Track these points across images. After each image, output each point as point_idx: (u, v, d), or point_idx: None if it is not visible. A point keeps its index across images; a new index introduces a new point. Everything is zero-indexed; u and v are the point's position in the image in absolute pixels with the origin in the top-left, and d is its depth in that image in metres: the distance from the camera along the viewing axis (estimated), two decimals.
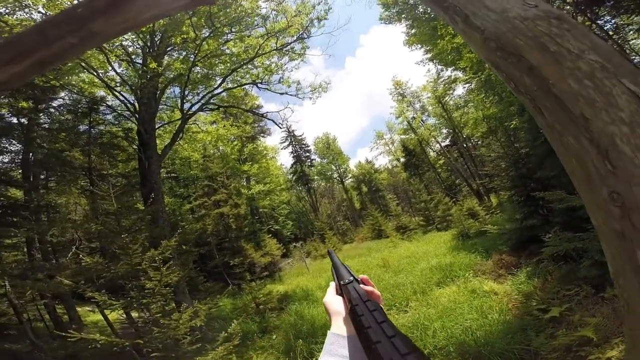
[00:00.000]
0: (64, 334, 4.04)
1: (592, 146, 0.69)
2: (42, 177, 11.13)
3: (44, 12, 7.23)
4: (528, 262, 6.09)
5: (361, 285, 0.68)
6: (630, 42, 9.21)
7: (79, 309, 10.15)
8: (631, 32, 8.50)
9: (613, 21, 8.35)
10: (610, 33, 8.39)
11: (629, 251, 0.64)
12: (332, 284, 0.80)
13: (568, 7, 8.27)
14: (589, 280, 4.15)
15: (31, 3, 7.14)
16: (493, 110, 15.56)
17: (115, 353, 4.47)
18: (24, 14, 7.55)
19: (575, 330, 3.33)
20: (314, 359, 5.13)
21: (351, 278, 0.71)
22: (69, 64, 7.86)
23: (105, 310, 6.36)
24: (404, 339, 0.43)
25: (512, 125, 13.07)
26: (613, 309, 3.40)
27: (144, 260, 5.03)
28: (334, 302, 0.72)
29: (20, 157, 9.96)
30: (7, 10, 7.41)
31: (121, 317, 6.54)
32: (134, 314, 6.89)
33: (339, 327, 0.65)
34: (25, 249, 9.66)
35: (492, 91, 13.60)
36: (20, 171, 9.98)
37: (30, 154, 9.80)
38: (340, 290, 0.73)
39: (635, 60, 8.56)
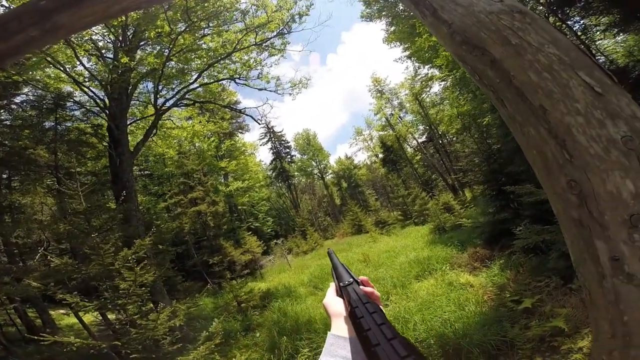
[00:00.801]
0: (36, 338, 3.88)
1: (551, 136, 0.72)
2: (5, 176, 10.41)
3: (7, 5, 6.71)
4: (501, 254, 6.38)
5: (361, 287, 0.68)
6: (597, 43, 9.69)
7: (52, 312, 9.76)
8: (598, 33, 8.94)
9: (582, 22, 8.74)
10: (579, 34, 8.83)
11: (587, 240, 0.66)
12: (332, 285, 0.80)
13: (541, 7, 8.61)
14: (557, 271, 4.39)
15: None
16: (467, 107, 16.03)
17: (93, 356, 4.34)
18: None
19: (547, 321, 3.52)
20: (299, 355, 5.15)
21: (351, 280, 0.71)
22: (34, 59, 7.36)
23: (79, 313, 6.12)
24: (403, 341, 0.43)
25: (484, 122, 13.53)
26: (581, 299, 3.62)
27: (117, 260, 4.90)
28: (334, 304, 0.72)
29: None
30: None
31: (97, 320, 6.32)
32: (111, 316, 6.69)
33: (339, 328, 0.65)
34: None
35: (466, 89, 14.02)
36: None
37: None
38: (340, 292, 0.73)
39: (601, 60, 9.06)
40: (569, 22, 8.61)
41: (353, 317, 0.58)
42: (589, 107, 0.67)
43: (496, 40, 0.84)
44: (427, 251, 9.02)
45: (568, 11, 8.11)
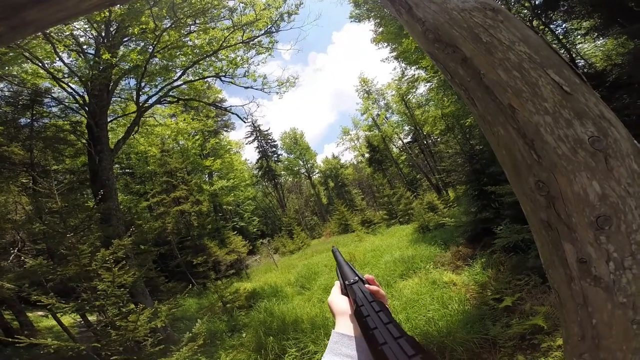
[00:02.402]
0: (11, 340, 3.74)
1: (519, 136, 0.71)
2: None
3: None
4: (482, 253, 6.54)
5: (366, 286, 0.68)
6: (577, 46, 9.99)
7: (29, 314, 9.37)
8: (579, 37, 9.22)
9: (564, 26, 9.01)
10: (561, 37, 9.11)
11: (555, 242, 0.66)
12: (337, 284, 0.80)
13: (525, 10, 8.83)
14: (536, 270, 4.54)
15: None
16: (451, 108, 16.34)
17: (72, 358, 4.23)
18: None
19: (527, 319, 3.64)
20: (286, 355, 5.15)
21: (356, 278, 0.71)
22: (10, 54, 7.03)
23: (58, 314, 5.92)
24: (410, 340, 0.43)
25: (467, 123, 13.87)
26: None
27: (94, 261, 4.79)
28: (339, 302, 0.72)
29: None
30: None
31: (77, 321, 6.15)
32: (92, 318, 6.51)
33: (344, 327, 0.64)
34: None
35: (450, 90, 14.30)
36: None
37: None
38: (345, 290, 0.73)
39: (580, 63, 9.38)
40: (551, 26, 8.85)
41: (359, 316, 0.57)
42: (557, 107, 0.67)
43: (467, 37, 0.83)
44: (412, 250, 9.17)
45: (551, 15, 8.32)
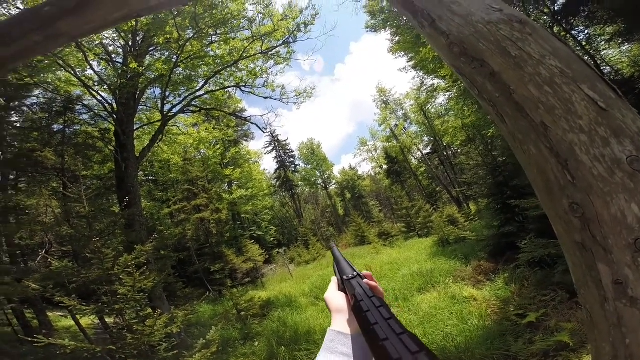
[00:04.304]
0: (30, 339, 3.84)
1: (552, 155, 0.68)
2: (12, 177, 10.54)
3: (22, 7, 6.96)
4: (505, 268, 6.26)
5: (365, 281, 0.66)
6: (602, 53, 9.65)
7: (49, 314, 9.68)
8: (603, 43, 8.90)
9: (586, 32, 8.74)
10: (584, 44, 8.83)
11: (590, 263, 0.63)
12: (334, 279, 0.78)
13: (545, 17, 8.64)
14: (563, 285, 4.29)
15: None
16: (472, 118, 16.00)
17: (87, 359, 4.26)
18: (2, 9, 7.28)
19: (552, 336, 3.43)
20: None
21: (355, 273, 0.69)
22: (46, 61, 7.55)
23: (77, 316, 6.08)
24: (412, 336, 0.40)
25: (489, 134, 13.49)
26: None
27: (117, 265, 4.88)
28: (336, 299, 0.70)
29: None
30: None
31: (94, 323, 6.29)
32: (109, 320, 6.64)
33: (340, 325, 0.63)
34: None
35: (470, 100, 14.02)
36: None
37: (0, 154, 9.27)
38: (343, 286, 0.71)
39: (606, 70, 9.02)
40: (573, 32, 8.61)
41: (358, 311, 0.54)
42: (593, 124, 0.63)
43: (495, 51, 0.80)
44: (430, 264, 8.88)
45: (572, 21, 8.14)
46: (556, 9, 8.30)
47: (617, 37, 7.39)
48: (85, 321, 6.54)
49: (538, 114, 0.70)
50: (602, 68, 9.11)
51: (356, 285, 0.63)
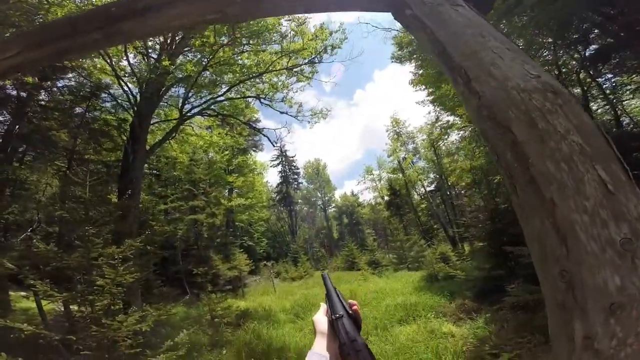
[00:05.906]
0: None
1: (553, 230, 0.70)
2: (20, 150, 10.74)
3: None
4: (489, 309, 6.21)
5: (349, 301, 0.78)
6: (624, 103, 9.58)
7: (11, 293, 8.93)
8: (627, 92, 8.84)
9: (613, 80, 8.64)
10: (607, 92, 8.78)
11: (567, 320, 0.68)
12: (323, 305, 0.86)
13: (574, 62, 8.59)
14: (542, 329, 4.28)
15: None
16: (481, 161, 15.98)
17: (40, 345, 4.15)
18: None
19: None
20: None
21: (341, 313, 0.76)
22: None
23: (42, 300, 5.78)
24: None
25: (495, 180, 13.57)
26: None
27: (101, 255, 4.81)
28: (322, 323, 0.78)
29: (5, 128, 9.68)
30: None
31: (58, 310, 5.95)
32: (74, 308, 6.39)
33: (321, 347, 0.71)
34: None
35: (483, 143, 14.13)
36: None
37: (17, 127, 9.52)
38: (331, 321, 0.78)
39: (625, 121, 8.95)
40: (599, 80, 8.50)
41: (341, 354, 0.66)
42: (597, 206, 0.66)
43: (523, 121, 0.79)
44: (415, 297, 8.79)
45: (600, 68, 8.01)
46: (587, 54, 8.13)
47: None
48: (49, 306, 6.19)
49: (549, 191, 0.71)
50: (621, 119, 9.02)
51: (341, 327, 0.71)
